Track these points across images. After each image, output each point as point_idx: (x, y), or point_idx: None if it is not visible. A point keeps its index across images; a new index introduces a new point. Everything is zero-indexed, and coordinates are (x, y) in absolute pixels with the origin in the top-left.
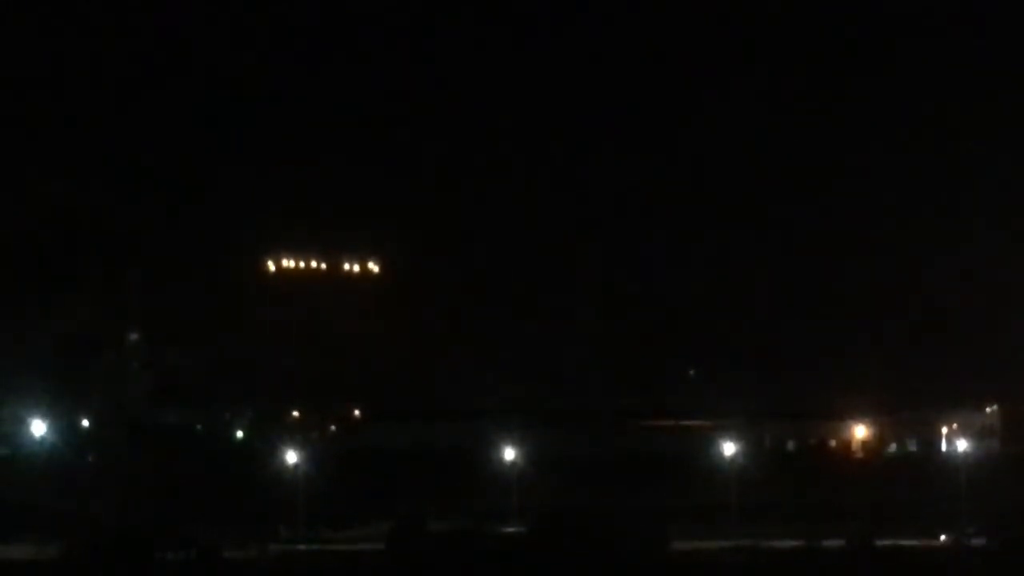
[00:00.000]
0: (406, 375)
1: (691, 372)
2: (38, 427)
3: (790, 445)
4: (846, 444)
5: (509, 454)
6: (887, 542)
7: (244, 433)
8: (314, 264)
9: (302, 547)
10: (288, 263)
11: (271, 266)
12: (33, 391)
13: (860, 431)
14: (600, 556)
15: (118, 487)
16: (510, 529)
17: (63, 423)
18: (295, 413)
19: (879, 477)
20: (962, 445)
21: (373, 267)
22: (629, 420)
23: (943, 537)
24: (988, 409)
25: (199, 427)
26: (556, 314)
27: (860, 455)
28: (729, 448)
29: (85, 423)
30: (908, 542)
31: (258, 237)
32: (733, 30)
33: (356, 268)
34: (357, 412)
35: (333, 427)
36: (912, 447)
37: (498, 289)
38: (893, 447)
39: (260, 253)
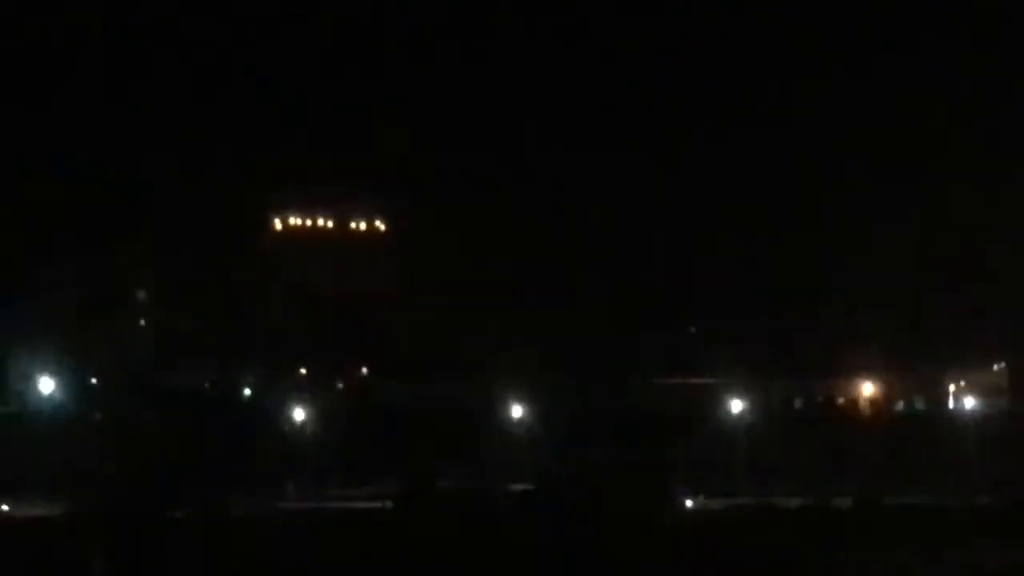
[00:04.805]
0: (413, 333)
1: (692, 329)
2: (46, 385)
3: (797, 403)
4: (853, 402)
5: (516, 412)
6: (895, 500)
7: (251, 391)
8: (321, 222)
9: (310, 504)
10: (295, 221)
11: (278, 224)
12: (41, 349)
13: (867, 389)
14: (607, 514)
15: (125, 446)
16: (518, 487)
17: (71, 381)
18: (302, 371)
19: (887, 435)
20: (969, 403)
21: (380, 225)
22: (635, 377)
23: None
24: (996, 367)
25: (206, 385)
26: (562, 272)
27: (867, 413)
28: (736, 406)
29: (93, 381)
30: (916, 500)
31: (265, 196)
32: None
33: (363, 226)
34: (364, 370)
35: (340, 385)
36: (919, 405)
37: (504, 247)
38: (900, 405)
39: (267, 211)
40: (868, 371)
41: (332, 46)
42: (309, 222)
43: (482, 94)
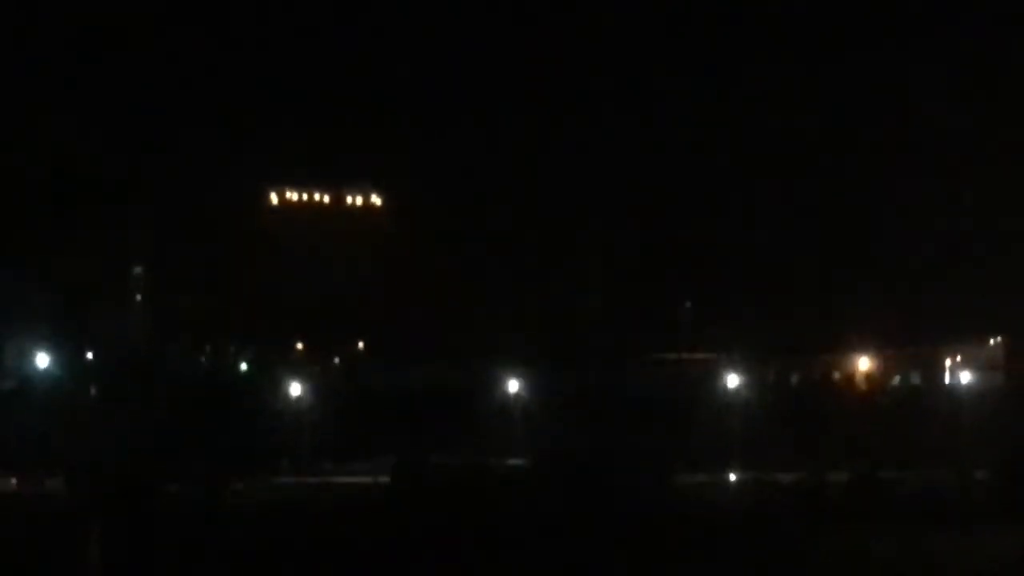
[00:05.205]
0: (409, 311)
1: (687, 305)
2: (42, 361)
3: (794, 379)
4: (850, 377)
5: (512, 390)
6: (891, 475)
7: (247, 368)
8: (317, 198)
9: (306, 481)
10: (291, 197)
11: (274, 200)
12: (38, 326)
13: (864, 364)
14: (602, 491)
15: (122, 422)
16: (514, 464)
17: (68, 358)
18: (299, 348)
19: (883, 410)
20: (966, 378)
21: (377, 200)
22: (632, 354)
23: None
24: (992, 341)
25: (203, 361)
26: (560, 249)
27: (864, 388)
28: (732, 381)
29: (90, 357)
30: (912, 475)
31: (260, 171)
32: None
33: (359, 201)
34: (361, 347)
35: (336, 361)
36: (915, 380)
37: (501, 224)
38: (896, 380)
39: (263, 187)
40: (865, 346)
41: (327, 20)
42: (305, 197)
43: (480, 67)
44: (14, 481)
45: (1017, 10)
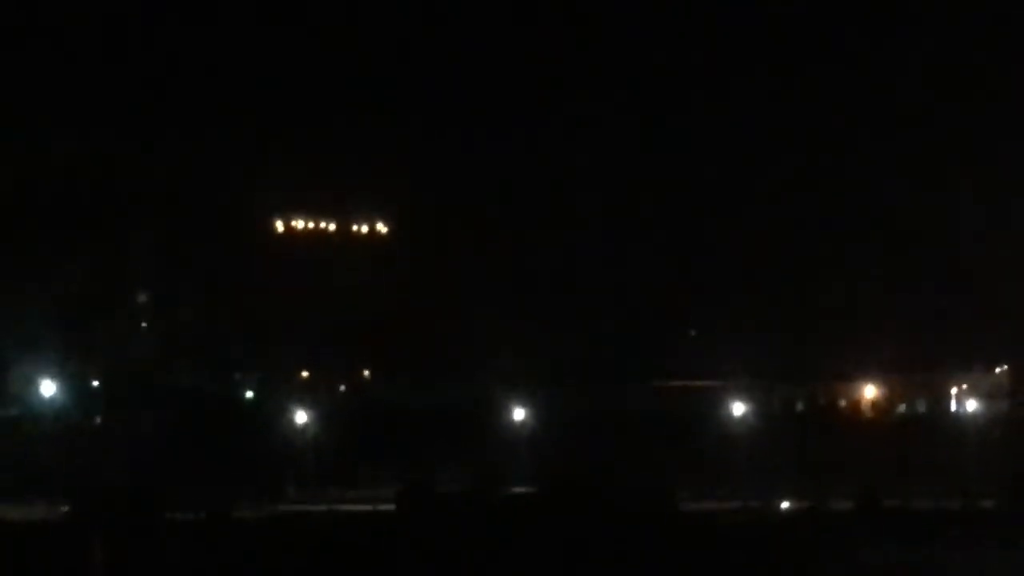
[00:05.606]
0: (415, 335)
1: (692, 332)
2: (47, 388)
3: (799, 406)
4: (856, 405)
5: (518, 414)
6: (895, 503)
7: (253, 394)
8: (323, 225)
9: (311, 507)
10: (297, 223)
11: (280, 226)
12: (42, 351)
13: (870, 391)
14: (607, 516)
15: (126, 448)
16: (518, 490)
17: (72, 384)
18: (304, 373)
19: (888, 438)
20: (972, 405)
21: (382, 228)
22: (634, 381)
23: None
24: (998, 369)
25: (208, 387)
26: (564, 275)
27: (870, 416)
28: (737, 409)
29: (95, 383)
30: (917, 503)
31: (267, 197)
32: None
33: (365, 229)
34: (367, 372)
35: (342, 387)
36: (921, 408)
37: (505, 251)
38: (903, 408)
39: (269, 213)
40: (871, 374)
41: (333, 47)
42: (311, 225)
43: (485, 89)
44: (66, 508)
45: (1017, 10)
